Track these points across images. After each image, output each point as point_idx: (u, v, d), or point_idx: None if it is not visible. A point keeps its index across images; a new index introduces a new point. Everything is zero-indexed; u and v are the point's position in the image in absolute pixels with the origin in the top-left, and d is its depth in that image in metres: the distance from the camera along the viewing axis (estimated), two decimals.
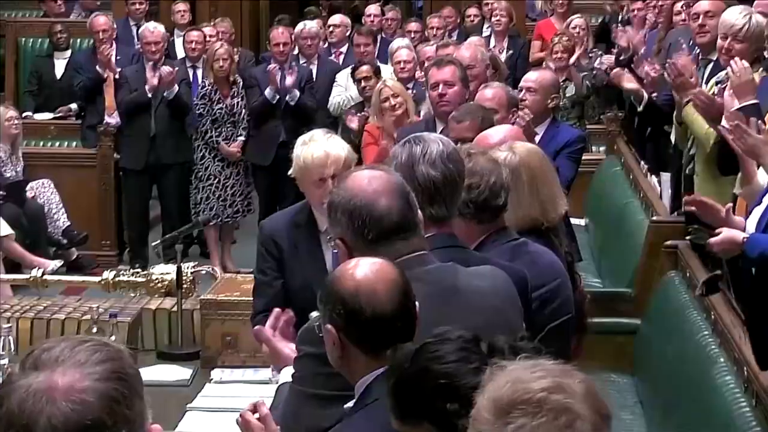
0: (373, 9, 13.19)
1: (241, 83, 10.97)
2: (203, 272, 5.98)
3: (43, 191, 10.70)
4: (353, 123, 9.43)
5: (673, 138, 7.99)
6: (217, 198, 10.61)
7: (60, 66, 12.61)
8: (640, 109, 8.80)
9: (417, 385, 2.73)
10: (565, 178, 6.86)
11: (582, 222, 9.18)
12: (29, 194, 10.46)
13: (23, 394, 2.01)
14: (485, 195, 4.20)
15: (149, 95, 10.54)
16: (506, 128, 5.64)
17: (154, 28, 10.87)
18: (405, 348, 2.97)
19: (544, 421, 2.25)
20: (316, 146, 5.05)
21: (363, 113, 9.39)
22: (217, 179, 10.61)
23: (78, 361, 2.03)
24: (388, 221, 3.55)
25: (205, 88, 10.76)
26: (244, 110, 10.88)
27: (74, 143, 11.84)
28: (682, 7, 9.28)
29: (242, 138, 10.83)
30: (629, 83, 9.08)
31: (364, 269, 3.23)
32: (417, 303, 3.32)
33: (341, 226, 3.57)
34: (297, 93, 10.70)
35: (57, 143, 11.97)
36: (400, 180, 3.64)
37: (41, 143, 11.91)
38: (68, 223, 10.72)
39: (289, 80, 10.70)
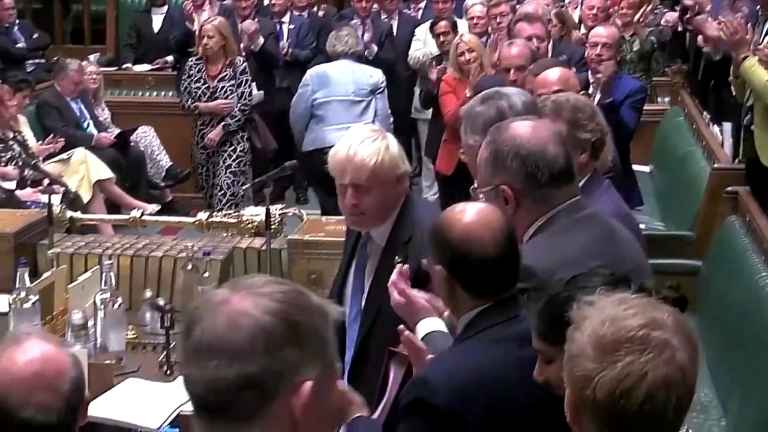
0: None
1: (244, 67, 9.68)
2: (290, 214, 6.01)
3: (145, 136, 10.82)
4: (432, 75, 9.41)
5: (734, 89, 7.91)
6: None
7: (157, 21, 12.65)
8: (717, 58, 8.68)
9: (561, 310, 2.73)
10: (628, 127, 6.89)
11: (647, 169, 9.14)
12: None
13: (200, 302, 2.03)
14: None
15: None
16: (562, 69, 5.65)
17: None
18: (559, 278, 3.04)
19: (651, 357, 2.28)
20: (344, 146, 4.23)
21: (441, 66, 9.37)
22: None
23: (260, 293, 2.02)
24: (558, 166, 3.58)
25: (190, 62, 9.99)
26: (236, 97, 9.66)
27: (170, 93, 11.91)
28: None
29: (228, 125, 9.66)
30: (712, 30, 8.94)
31: (472, 215, 3.26)
32: (582, 246, 3.44)
33: (510, 173, 3.56)
34: (375, 48, 10.80)
35: (154, 93, 12.06)
36: (557, 129, 3.77)
37: (139, 93, 12.02)
38: (170, 164, 10.83)
39: (367, 36, 10.72)
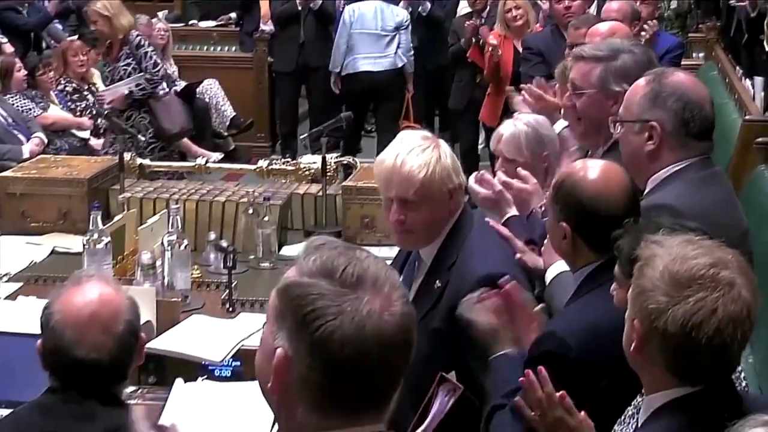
0: None
1: (138, 41, 8.28)
2: (345, 161, 6.00)
3: (209, 89, 10.84)
4: (466, 32, 9.35)
5: (766, 45, 7.82)
6: None
7: None
8: (753, 15, 8.58)
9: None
10: None
11: None
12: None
13: (356, 319, 1.87)
14: None
15: (299, 7, 10.52)
16: (612, 23, 5.61)
17: None
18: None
19: (721, 294, 2.34)
20: (390, 154, 3.59)
21: (472, 21, 9.29)
22: None
23: (392, 284, 1.93)
24: (709, 123, 3.61)
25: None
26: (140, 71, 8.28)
27: (233, 48, 11.92)
28: None
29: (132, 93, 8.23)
30: None
31: (598, 173, 3.25)
32: (716, 202, 3.45)
33: (668, 113, 3.57)
34: (428, 5, 10.74)
35: (218, 48, 12.07)
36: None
37: (205, 48, 12.03)
38: (234, 114, 10.85)
39: None
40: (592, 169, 3.26)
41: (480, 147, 9.80)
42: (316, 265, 1.93)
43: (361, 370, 1.88)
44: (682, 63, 7.64)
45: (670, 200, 3.38)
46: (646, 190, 3.54)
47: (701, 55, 10.45)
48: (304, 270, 1.94)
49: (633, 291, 2.47)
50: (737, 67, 8.78)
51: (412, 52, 10.29)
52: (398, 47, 10.21)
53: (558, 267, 3.70)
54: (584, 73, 4.15)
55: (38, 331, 4.07)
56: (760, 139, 6.68)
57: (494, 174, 4.37)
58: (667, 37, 7.58)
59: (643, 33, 7.06)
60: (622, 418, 3.00)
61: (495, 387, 3.27)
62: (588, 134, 4.22)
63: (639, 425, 2.59)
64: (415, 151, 3.54)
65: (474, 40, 9.10)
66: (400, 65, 10.21)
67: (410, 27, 10.32)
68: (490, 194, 4.10)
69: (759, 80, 8.48)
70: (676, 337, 2.36)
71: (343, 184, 5.52)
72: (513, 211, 4.06)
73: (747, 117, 7.24)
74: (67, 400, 3.00)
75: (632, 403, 3.01)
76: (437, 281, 3.56)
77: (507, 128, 4.59)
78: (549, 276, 3.76)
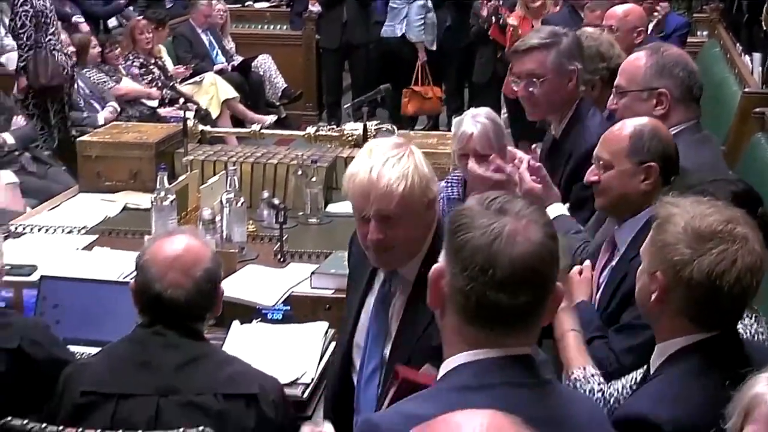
0: None
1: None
2: (383, 129, 5.99)
3: (264, 63, 10.87)
4: (483, 10, 9.24)
5: (765, 24, 7.75)
6: None
7: None
8: None
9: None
10: None
11: None
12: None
13: (492, 231, 1.96)
14: None
15: None
16: (627, 5, 5.59)
17: None
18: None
19: (739, 247, 2.38)
20: (363, 167, 2.95)
21: (492, 2, 9.19)
22: None
23: (534, 219, 2.00)
24: (701, 89, 3.68)
25: None
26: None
27: (284, 26, 11.90)
28: None
29: None
30: None
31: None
32: (711, 160, 3.47)
33: (674, 80, 3.61)
34: None
35: (271, 26, 12.05)
36: None
37: (259, 26, 12.02)
38: (285, 86, 10.86)
39: None
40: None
41: (502, 117, 9.76)
42: (476, 198, 2.06)
43: (491, 282, 1.94)
44: (688, 40, 7.61)
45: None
46: None
47: (705, 33, 10.36)
48: (468, 201, 2.07)
49: (653, 246, 2.48)
50: (737, 44, 8.70)
51: (421, 24, 10.18)
52: (406, 17, 10.17)
53: (555, 209, 3.72)
54: (540, 61, 4.13)
55: (112, 278, 4.13)
56: (757, 109, 6.68)
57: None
58: (675, 17, 7.58)
59: (655, 14, 7.03)
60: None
61: (583, 325, 3.23)
62: (548, 114, 4.23)
63: (651, 373, 2.57)
64: (390, 162, 2.93)
65: (495, 18, 9.03)
66: (399, 34, 10.25)
67: (429, 3, 10.22)
68: (538, 187, 3.83)
69: (757, 56, 8.40)
70: (701, 285, 2.39)
71: None
72: (558, 207, 3.86)
73: (746, 89, 7.23)
74: (154, 332, 3.07)
75: (617, 389, 2.97)
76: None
77: (472, 126, 4.21)
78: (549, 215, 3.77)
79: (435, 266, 2.07)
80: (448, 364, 2.03)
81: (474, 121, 4.22)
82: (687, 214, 2.44)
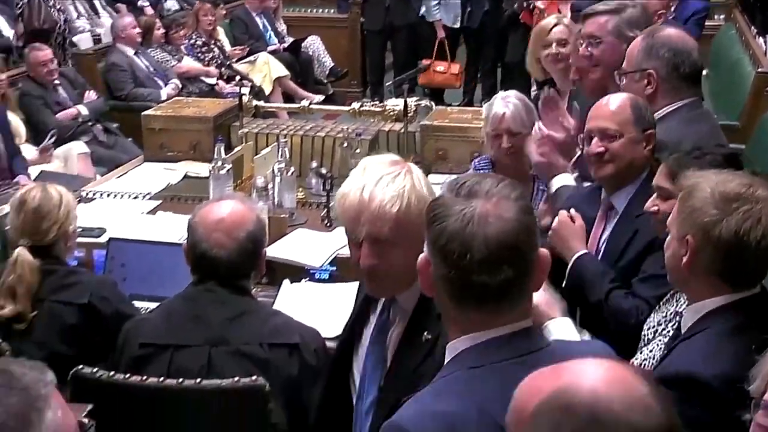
0: None
1: None
2: (423, 105, 5.96)
3: (313, 44, 10.83)
4: None
5: None
6: None
7: None
8: None
9: (692, 162, 2.86)
10: (694, 38, 6.70)
11: (704, 72, 8.89)
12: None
13: (464, 216, 1.88)
14: None
15: None
16: None
17: None
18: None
19: (761, 206, 2.41)
20: (354, 186, 2.51)
21: None
22: None
23: (504, 195, 1.90)
24: (697, 67, 3.60)
25: None
26: None
27: (332, 10, 11.84)
28: None
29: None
30: None
31: None
32: (705, 134, 3.37)
33: (662, 60, 3.55)
34: None
35: (320, 10, 11.98)
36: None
37: (308, 10, 11.96)
38: (332, 64, 10.84)
39: None
40: None
41: (532, 94, 9.69)
42: (446, 184, 1.99)
43: (471, 266, 1.86)
44: (706, 23, 7.52)
45: (660, 136, 3.36)
46: None
47: (722, 17, 10.24)
48: (441, 190, 2.01)
49: (683, 212, 2.47)
50: (752, 27, 8.60)
51: (437, 3, 10.12)
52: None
53: (561, 179, 3.69)
54: (600, 24, 4.08)
55: (173, 240, 4.15)
56: None
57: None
58: (694, 2, 7.45)
59: None
60: (643, 342, 2.94)
61: (594, 277, 3.25)
62: (602, 82, 4.16)
63: (682, 333, 2.54)
64: (384, 180, 2.47)
65: (525, 4, 8.97)
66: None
67: None
68: (543, 160, 3.78)
69: None
70: (729, 243, 2.40)
71: (422, 122, 5.50)
72: (565, 177, 3.75)
73: (759, 69, 7.16)
74: (205, 289, 3.09)
75: (649, 326, 2.96)
76: (426, 332, 2.43)
77: (503, 107, 4.18)
78: (554, 185, 3.74)
79: (421, 255, 1.97)
80: (453, 348, 1.95)
81: (505, 102, 4.19)
82: (711, 181, 2.45)
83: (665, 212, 2.79)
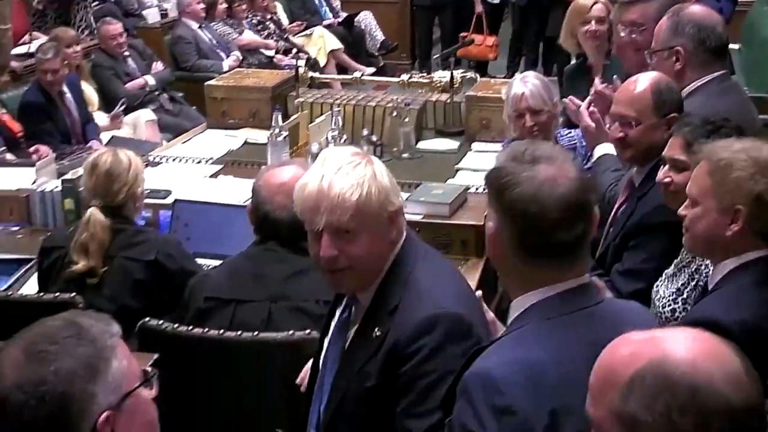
0: None
1: None
2: (468, 76, 5.92)
3: (365, 18, 10.76)
4: None
5: None
6: None
7: None
8: None
9: (709, 131, 2.82)
10: (726, 14, 6.59)
11: (736, 47, 8.74)
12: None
13: (535, 180, 1.90)
14: None
15: None
16: None
17: None
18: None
19: None
20: (313, 177, 2.29)
21: None
22: None
23: (563, 158, 1.96)
24: (724, 42, 3.54)
25: None
26: None
27: None
28: None
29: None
30: None
31: None
32: (732, 107, 3.28)
33: (685, 37, 3.49)
34: None
35: None
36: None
37: None
38: (384, 38, 10.78)
39: None
40: None
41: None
42: (504, 154, 2.00)
43: (549, 225, 1.89)
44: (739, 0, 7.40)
45: (690, 110, 3.28)
46: None
47: None
48: (498, 160, 1.99)
49: (726, 184, 2.43)
50: None
51: None
52: None
53: (604, 148, 3.64)
54: (643, 11, 4.01)
55: (234, 202, 4.17)
56: None
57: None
58: None
59: None
60: (663, 278, 2.91)
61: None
62: (644, 61, 4.09)
63: (710, 287, 2.52)
64: (343, 170, 2.28)
65: None
66: None
67: None
68: (593, 126, 3.72)
69: None
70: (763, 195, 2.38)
71: (467, 93, 5.46)
72: (608, 146, 3.65)
73: None
74: (266, 249, 3.10)
75: (674, 263, 2.93)
76: (376, 329, 2.27)
77: (522, 87, 4.06)
78: (597, 153, 3.69)
79: (488, 228, 1.99)
80: (520, 304, 1.96)
81: (523, 82, 4.11)
82: (743, 152, 2.41)
83: (679, 184, 2.74)
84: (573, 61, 9.38)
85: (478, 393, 1.81)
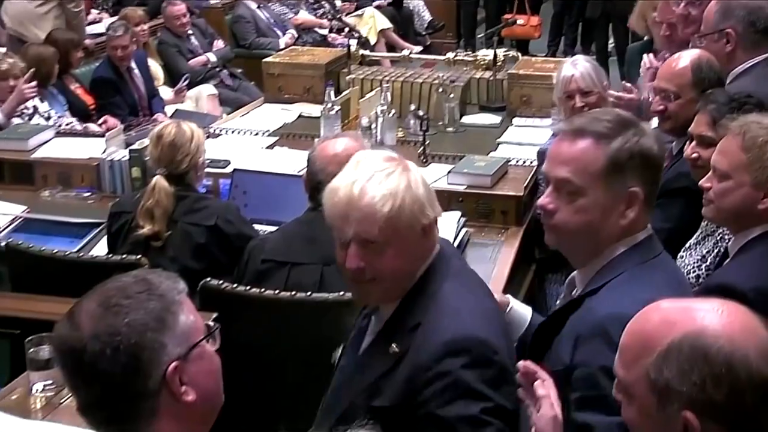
0: None
1: None
2: (510, 55, 5.87)
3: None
4: None
5: None
6: None
7: None
8: None
9: (736, 107, 2.81)
10: None
11: None
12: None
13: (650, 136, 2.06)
14: None
15: None
16: None
17: None
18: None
19: None
20: (345, 182, 2.03)
21: None
22: None
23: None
24: None
25: None
26: None
27: None
28: None
29: None
30: None
31: None
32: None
33: (735, 19, 3.43)
34: None
35: None
36: None
37: None
38: (431, 18, 10.72)
39: None
40: None
41: (610, 47, 9.49)
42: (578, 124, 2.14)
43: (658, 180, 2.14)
44: None
45: (742, 88, 3.22)
46: (726, 83, 3.40)
47: None
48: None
49: (759, 160, 2.37)
50: None
51: None
52: None
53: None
54: None
55: (289, 172, 4.18)
56: None
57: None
58: None
59: None
60: (687, 246, 2.90)
61: None
62: (689, 38, 4.01)
63: (730, 255, 2.50)
64: (376, 177, 2.01)
65: None
66: None
67: None
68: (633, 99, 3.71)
69: None
70: None
71: (509, 71, 5.41)
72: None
73: None
74: (319, 215, 3.08)
75: (698, 231, 2.91)
76: (394, 344, 2.01)
77: (572, 69, 3.97)
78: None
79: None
80: (609, 253, 2.03)
81: (573, 65, 4.05)
82: (760, 118, 2.40)
83: (706, 159, 2.71)
84: (610, 42, 9.27)
85: (619, 332, 1.53)
